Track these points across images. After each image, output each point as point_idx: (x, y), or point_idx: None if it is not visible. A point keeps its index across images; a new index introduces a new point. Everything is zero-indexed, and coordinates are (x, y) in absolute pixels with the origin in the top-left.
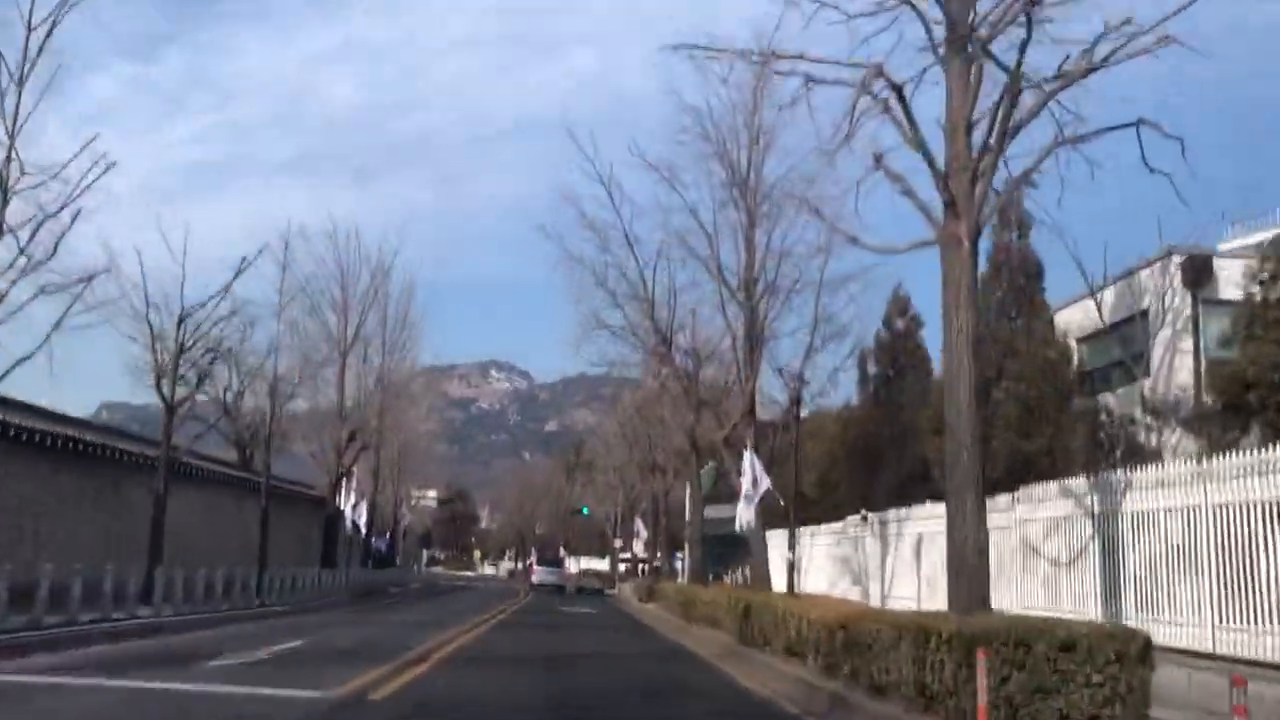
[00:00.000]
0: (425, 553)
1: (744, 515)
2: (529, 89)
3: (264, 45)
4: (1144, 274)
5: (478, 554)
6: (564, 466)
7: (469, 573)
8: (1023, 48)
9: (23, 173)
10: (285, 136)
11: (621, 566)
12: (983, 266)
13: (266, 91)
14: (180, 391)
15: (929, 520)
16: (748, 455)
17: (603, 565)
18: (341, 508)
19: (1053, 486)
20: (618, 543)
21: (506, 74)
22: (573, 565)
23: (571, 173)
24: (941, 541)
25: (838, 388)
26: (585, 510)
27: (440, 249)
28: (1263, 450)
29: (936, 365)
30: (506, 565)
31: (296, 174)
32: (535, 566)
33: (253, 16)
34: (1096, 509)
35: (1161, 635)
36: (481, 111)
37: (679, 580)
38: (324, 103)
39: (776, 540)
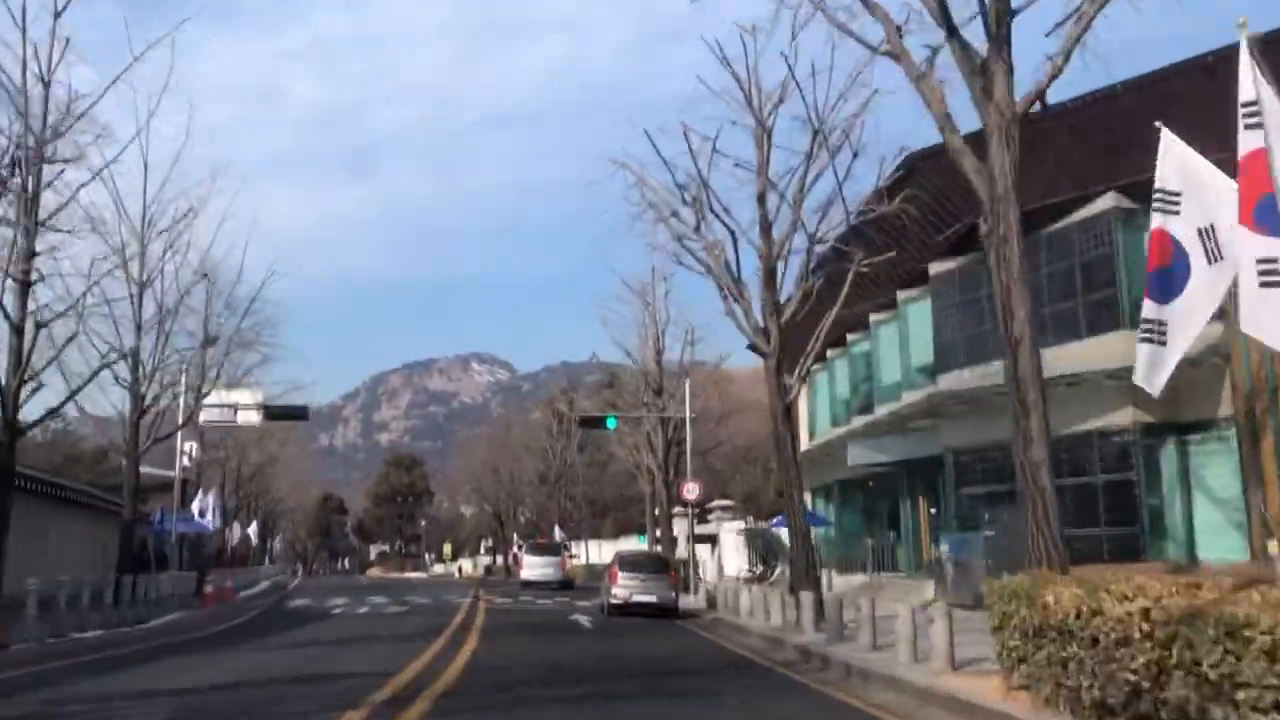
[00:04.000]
0: (372, 549)
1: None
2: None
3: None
4: None
5: (447, 548)
6: (554, 411)
7: (417, 574)
8: None
9: None
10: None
11: (694, 547)
12: None
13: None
14: None
15: None
16: None
17: (631, 546)
18: None
19: None
20: (689, 489)
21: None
22: (584, 554)
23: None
24: None
25: None
26: (611, 422)
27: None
28: None
29: None
30: (484, 560)
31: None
32: (525, 558)
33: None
34: None
35: None
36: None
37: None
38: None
39: None
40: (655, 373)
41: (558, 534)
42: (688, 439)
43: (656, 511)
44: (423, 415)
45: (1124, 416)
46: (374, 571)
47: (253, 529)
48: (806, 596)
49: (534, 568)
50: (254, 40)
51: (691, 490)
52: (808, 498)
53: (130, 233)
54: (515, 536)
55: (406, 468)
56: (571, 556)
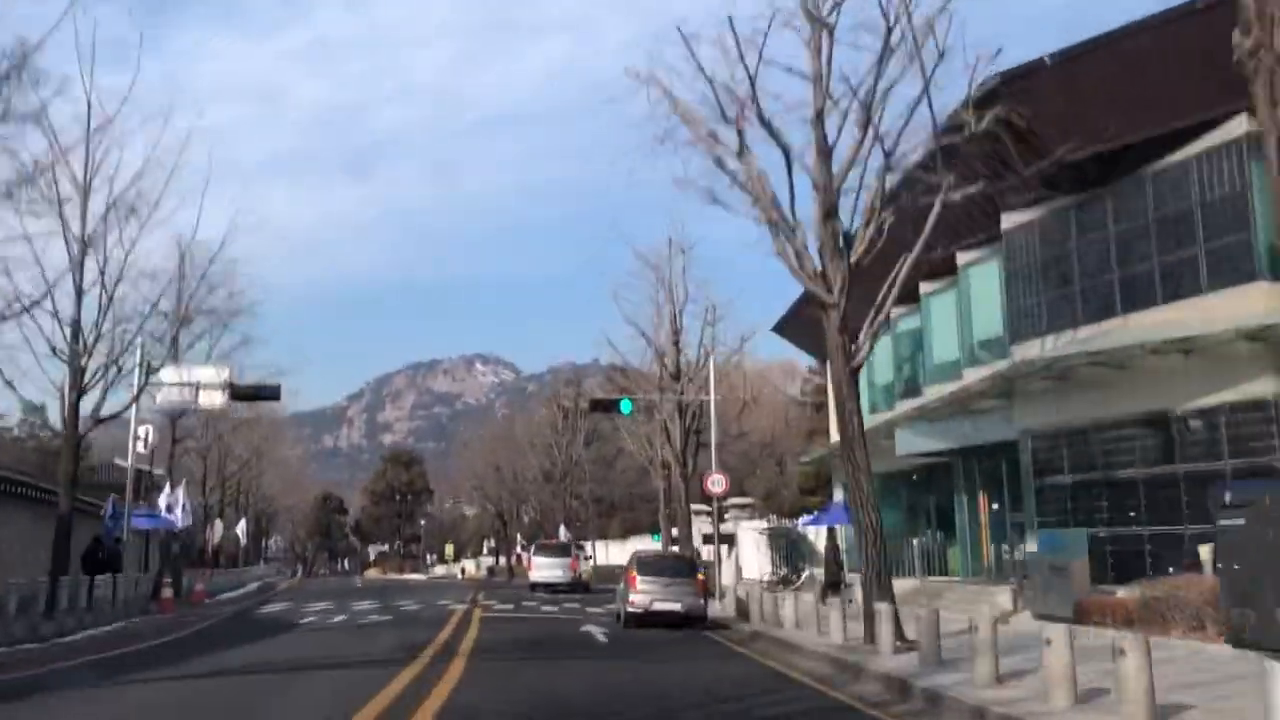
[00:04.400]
0: (372, 550)
1: None
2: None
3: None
4: None
5: (449, 549)
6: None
7: (416, 576)
8: None
9: None
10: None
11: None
12: None
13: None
14: None
15: None
16: None
17: (643, 546)
18: None
19: None
20: (714, 481)
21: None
22: (599, 556)
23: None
24: None
25: None
26: (626, 405)
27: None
28: None
29: None
30: (486, 561)
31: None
32: (533, 559)
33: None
34: None
35: None
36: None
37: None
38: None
39: None
40: (672, 354)
41: (563, 534)
42: (712, 425)
43: (673, 508)
44: (427, 416)
45: (1262, 386)
46: (372, 573)
47: (241, 527)
48: (884, 609)
49: (543, 569)
50: (255, 40)
51: (717, 482)
52: (838, 493)
53: (71, 182)
54: (519, 536)
55: (405, 465)
56: (586, 557)
